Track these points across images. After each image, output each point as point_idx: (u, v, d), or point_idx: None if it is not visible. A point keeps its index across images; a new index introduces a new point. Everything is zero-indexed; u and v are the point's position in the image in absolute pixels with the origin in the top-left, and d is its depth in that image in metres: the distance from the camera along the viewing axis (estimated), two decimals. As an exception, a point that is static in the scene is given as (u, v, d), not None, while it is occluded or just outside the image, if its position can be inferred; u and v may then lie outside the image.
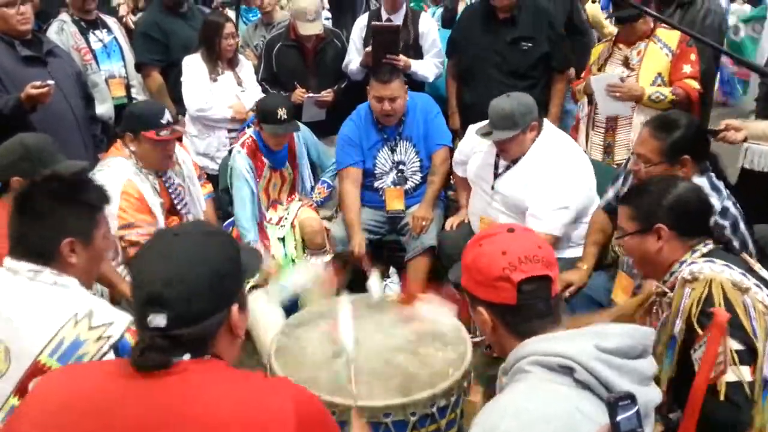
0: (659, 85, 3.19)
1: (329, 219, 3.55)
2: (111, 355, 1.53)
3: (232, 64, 3.88)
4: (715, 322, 1.49)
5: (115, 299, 2.51)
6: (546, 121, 3.02)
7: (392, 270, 3.60)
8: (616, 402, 1.09)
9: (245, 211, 3.22)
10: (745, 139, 2.78)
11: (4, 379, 1.51)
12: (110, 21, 4.02)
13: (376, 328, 2.27)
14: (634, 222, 1.86)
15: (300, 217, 3.40)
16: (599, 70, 3.37)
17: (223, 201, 3.45)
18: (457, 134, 3.70)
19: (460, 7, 4.23)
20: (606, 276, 2.71)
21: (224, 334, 1.24)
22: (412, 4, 4.14)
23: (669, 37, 3.23)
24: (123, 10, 4.76)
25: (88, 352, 1.51)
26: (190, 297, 1.16)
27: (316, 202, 3.55)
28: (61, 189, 1.68)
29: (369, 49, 3.73)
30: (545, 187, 2.83)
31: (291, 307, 3.23)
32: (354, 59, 3.90)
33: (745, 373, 1.60)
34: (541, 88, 3.66)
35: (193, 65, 3.78)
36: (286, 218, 3.40)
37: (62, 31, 3.73)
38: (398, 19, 3.88)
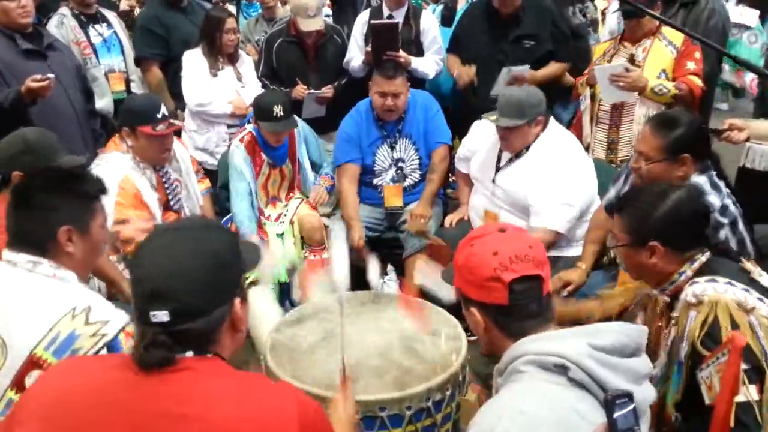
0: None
1: (328, 215, 3.55)
2: (104, 353, 1.52)
3: (233, 59, 3.87)
4: (734, 347, 1.48)
5: (112, 295, 2.52)
6: (551, 119, 3.03)
7: (390, 267, 3.60)
8: (613, 400, 1.10)
9: (242, 205, 3.22)
10: (747, 139, 2.78)
11: (0, 373, 1.51)
12: (110, 15, 4.02)
13: (371, 323, 2.28)
14: (626, 235, 1.84)
15: (299, 213, 3.40)
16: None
17: (221, 197, 3.44)
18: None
19: (460, 6, 4.22)
20: (605, 275, 2.71)
21: (227, 329, 1.23)
22: (413, 1, 4.13)
23: (674, 34, 3.23)
24: (124, 5, 4.75)
25: (83, 346, 1.51)
26: (192, 291, 1.15)
27: (326, 188, 3.54)
28: (56, 180, 1.69)
29: (369, 48, 3.73)
30: (549, 184, 2.84)
31: (290, 302, 3.26)
32: (356, 56, 3.89)
33: (752, 392, 1.59)
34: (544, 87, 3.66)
35: (194, 60, 3.78)
36: (285, 215, 3.40)
37: (62, 25, 3.73)
38: (400, 16, 3.87)
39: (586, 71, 3.50)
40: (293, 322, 2.31)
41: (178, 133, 3.07)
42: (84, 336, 1.52)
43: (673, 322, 1.77)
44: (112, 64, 3.88)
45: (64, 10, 3.81)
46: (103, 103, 3.73)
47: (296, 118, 3.40)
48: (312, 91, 3.82)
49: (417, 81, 3.80)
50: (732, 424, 1.57)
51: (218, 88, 3.78)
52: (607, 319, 2.07)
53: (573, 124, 3.68)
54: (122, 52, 3.95)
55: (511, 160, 3.00)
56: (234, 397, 1.15)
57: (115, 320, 1.56)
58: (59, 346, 1.50)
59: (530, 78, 3.52)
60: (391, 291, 3.42)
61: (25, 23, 3.15)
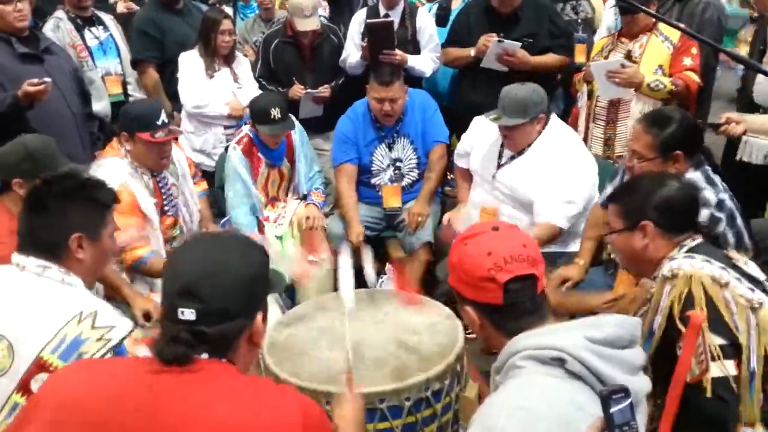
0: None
1: (326, 216, 3.55)
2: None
3: (229, 60, 3.87)
4: (691, 323, 1.49)
5: (111, 297, 2.52)
6: (552, 116, 3.04)
7: (388, 266, 3.60)
8: (609, 395, 1.10)
9: (240, 208, 3.22)
10: (744, 132, 2.78)
11: (7, 376, 1.52)
12: (106, 18, 4.01)
13: (369, 318, 2.29)
14: (621, 219, 1.86)
15: (298, 214, 3.40)
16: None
17: (219, 198, 3.44)
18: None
19: (454, 6, 4.22)
20: (604, 271, 2.71)
21: (245, 340, 1.26)
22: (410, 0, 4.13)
23: (671, 30, 3.23)
24: (121, 7, 4.75)
25: (89, 351, 1.52)
26: (223, 295, 1.20)
27: (319, 204, 3.53)
28: (72, 187, 1.72)
29: (366, 44, 3.72)
30: (552, 181, 2.85)
31: (289, 303, 3.26)
32: (352, 53, 3.89)
33: (729, 367, 1.61)
34: (544, 84, 3.65)
35: (190, 61, 3.78)
36: (284, 216, 3.40)
37: (58, 29, 3.72)
38: (396, 15, 3.87)
39: (584, 68, 3.50)
40: (289, 321, 2.31)
41: (175, 138, 3.05)
42: (90, 340, 1.53)
43: (647, 296, 1.79)
44: (108, 66, 3.88)
45: (59, 13, 3.81)
46: (101, 106, 3.73)
47: (293, 118, 3.40)
48: (309, 90, 3.83)
49: (414, 79, 3.80)
50: (708, 395, 1.59)
51: (215, 90, 3.78)
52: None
53: (567, 121, 3.68)
54: (119, 54, 3.95)
55: (512, 157, 3.00)
56: (240, 401, 1.17)
57: (121, 326, 1.58)
58: (65, 350, 1.51)
59: (521, 58, 3.50)
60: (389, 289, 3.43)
61: (22, 27, 3.14)
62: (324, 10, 4.65)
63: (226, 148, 3.43)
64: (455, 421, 2.05)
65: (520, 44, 3.49)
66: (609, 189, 2.67)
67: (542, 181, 2.87)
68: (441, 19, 4.08)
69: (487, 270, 1.32)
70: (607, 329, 1.29)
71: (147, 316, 2.50)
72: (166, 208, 2.87)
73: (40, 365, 1.50)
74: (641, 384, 1.32)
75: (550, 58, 3.64)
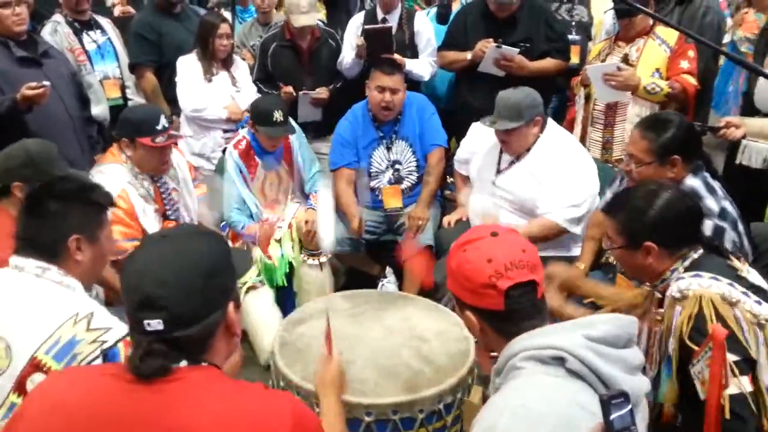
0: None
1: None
2: (99, 361, 1.53)
3: (227, 64, 3.87)
4: (716, 339, 1.50)
5: (110, 301, 2.51)
6: (549, 120, 3.05)
7: (388, 269, 3.61)
8: (609, 400, 1.10)
9: (234, 210, 3.23)
10: (744, 136, 2.79)
11: (4, 376, 1.52)
12: (104, 22, 4.00)
13: (376, 323, 2.28)
14: (620, 236, 1.85)
15: (297, 217, 3.40)
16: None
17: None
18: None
19: (455, 7, 4.23)
20: (603, 275, 2.72)
21: (222, 334, 1.23)
22: (406, 4, 4.13)
23: (668, 33, 3.25)
24: (118, 11, 4.74)
25: (82, 352, 1.52)
26: (185, 297, 1.15)
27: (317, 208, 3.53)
28: (70, 189, 1.74)
29: (361, 41, 3.70)
30: (554, 186, 2.86)
31: (289, 306, 3.26)
32: (347, 54, 3.88)
33: (745, 383, 1.61)
34: (541, 88, 3.66)
35: (188, 65, 3.78)
36: (283, 219, 3.39)
37: (56, 32, 3.71)
38: (393, 19, 3.88)
39: (582, 71, 3.51)
40: (298, 321, 2.30)
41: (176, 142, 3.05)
42: (84, 342, 1.53)
43: (658, 318, 1.79)
44: (106, 70, 3.88)
45: (57, 17, 3.80)
46: (99, 110, 3.72)
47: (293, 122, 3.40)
48: (306, 91, 3.82)
49: (412, 83, 3.80)
50: (728, 416, 1.59)
51: (213, 94, 3.77)
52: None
53: (561, 123, 3.69)
54: (117, 58, 3.94)
55: (512, 163, 3.01)
56: (225, 405, 1.15)
57: (117, 329, 1.58)
58: (59, 351, 1.52)
59: (519, 63, 3.52)
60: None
61: (20, 31, 3.14)
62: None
63: (224, 151, 3.43)
64: (461, 430, 2.05)
65: (518, 50, 3.50)
66: (608, 194, 2.68)
67: (544, 185, 2.88)
68: (442, 17, 4.08)
69: (488, 277, 1.32)
70: (603, 327, 1.30)
71: None
72: (169, 212, 2.86)
73: (35, 365, 1.51)
74: (640, 384, 1.32)
75: (548, 63, 3.65)
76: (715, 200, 2.19)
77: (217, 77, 3.81)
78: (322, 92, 3.86)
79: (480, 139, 3.15)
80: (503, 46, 3.48)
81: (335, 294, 2.61)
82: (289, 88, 3.82)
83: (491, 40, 3.51)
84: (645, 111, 3.17)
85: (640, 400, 1.31)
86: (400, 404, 1.87)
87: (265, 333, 2.91)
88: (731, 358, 1.61)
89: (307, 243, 3.26)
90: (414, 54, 3.90)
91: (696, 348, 1.64)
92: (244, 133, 3.36)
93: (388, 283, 3.54)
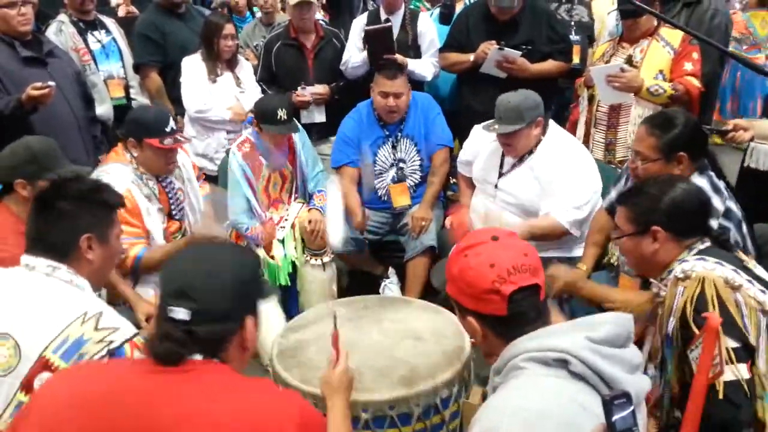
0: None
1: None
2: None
3: (231, 64, 3.88)
4: (708, 326, 1.50)
5: (114, 301, 2.52)
6: (551, 122, 3.04)
7: (391, 270, 3.61)
8: (611, 401, 1.10)
9: (239, 212, 3.23)
10: (752, 139, 2.78)
11: (13, 375, 1.53)
12: (108, 21, 4.02)
13: (374, 325, 2.29)
14: (630, 223, 1.87)
15: (300, 217, 3.40)
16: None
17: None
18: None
19: (459, 8, 4.22)
20: (606, 276, 2.72)
21: (236, 344, 1.30)
22: (410, 5, 4.14)
23: (672, 35, 3.24)
24: (122, 11, 4.76)
25: (89, 351, 1.53)
26: (216, 296, 1.26)
27: (321, 207, 3.53)
28: (82, 189, 1.75)
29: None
30: (557, 188, 2.86)
31: (292, 306, 3.26)
32: (354, 55, 3.88)
33: (742, 370, 1.62)
34: (542, 90, 3.66)
35: (192, 66, 3.79)
36: (286, 219, 3.40)
37: (61, 32, 3.73)
38: (397, 20, 3.88)
39: (585, 73, 3.51)
40: (298, 327, 2.32)
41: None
42: (91, 341, 1.54)
43: (660, 299, 1.79)
44: (110, 70, 3.89)
45: (62, 17, 3.82)
46: (103, 109, 3.73)
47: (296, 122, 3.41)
48: (306, 87, 3.83)
49: (415, 84, 3.80)
50: (720, 397, 1.60)
51: (217, 94, 3.78)
52: None
53: (564, 125, 3.69)
54: (121, 58, 3.96)
55: (514, 165, 3.01)
56: (233, 398, 1.19)
57: (124, 330, 1.59)
58: (67, 350, 1.52)
59: (521, 65, 3.52)
60: (393, 294, 3.43)
61: (25, 31, 3.15)
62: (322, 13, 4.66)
63: (227, 152, 3.43)
64: (461, 429, 2.05)
65: (520, 53, 3.51)
66: (613, 193, 2.68)
67: (546, 187, 2.88)
68: (445, 18, 4.08)
69: (491, 282, 1.31)
70: (604, 328, 1.30)
71: (150, 320, 2.50)
72: (174, 212, 2.87)
73: (43, 364, 1.51)
74: (641, 383, 1.32)
75: (550, 65, 3.65)
76: (721, 200, 2.19)
77: (221, 78, 3.82)
78: (319, 88, 3.85)
79: (482, 142, 3.14)
80: (505, 49, 3.49)
81: (335, 301, 2.61)
82: (305, 96, 3.82)
83: (493, 42, 3.51)
84: (648, 113, 3.15)
85: (640, 400, 1.32)
86: (395, 400, 1.89)
87: (268, 333, 2.91)
88: (730, 344, 1.62)
89: (310, 243, 3.27)
90: (417, 55, 3.90)
91: (697, 332, 1.64)
92: (247, 133, 3.37)
93: (391, 283, 3.54)
